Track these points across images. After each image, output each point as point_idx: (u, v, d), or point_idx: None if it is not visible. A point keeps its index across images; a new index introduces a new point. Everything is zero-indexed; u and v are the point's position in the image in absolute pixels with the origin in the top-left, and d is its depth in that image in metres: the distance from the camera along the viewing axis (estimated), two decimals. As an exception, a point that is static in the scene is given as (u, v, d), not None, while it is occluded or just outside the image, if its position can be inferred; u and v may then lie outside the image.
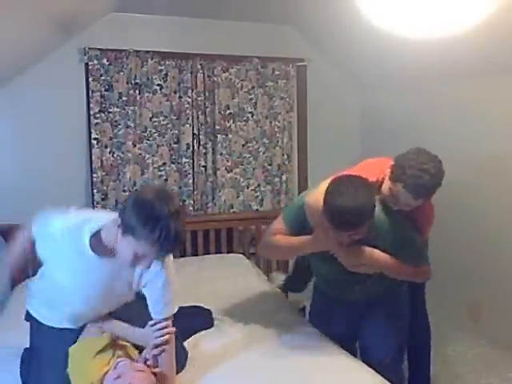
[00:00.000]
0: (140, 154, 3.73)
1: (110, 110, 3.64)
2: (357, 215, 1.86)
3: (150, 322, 1.82)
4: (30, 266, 3.43)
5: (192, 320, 2.43)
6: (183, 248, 3.81)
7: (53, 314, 1.92)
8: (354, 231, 1.92)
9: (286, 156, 4.16)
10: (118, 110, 3.65)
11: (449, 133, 3.59)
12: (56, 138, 3.63)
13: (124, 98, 3.64)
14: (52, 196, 3.57)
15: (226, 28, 3.93)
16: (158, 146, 3.80)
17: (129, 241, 1.56)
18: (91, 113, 3.60)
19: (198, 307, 2.62)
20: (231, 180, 4.02)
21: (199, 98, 3.85)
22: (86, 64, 3.59)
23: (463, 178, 3.48)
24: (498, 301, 3.31)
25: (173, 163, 3.85)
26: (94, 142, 3.61)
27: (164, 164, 3.82)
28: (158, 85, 3.76)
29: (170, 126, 3.82)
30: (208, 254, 3.79)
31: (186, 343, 2.23)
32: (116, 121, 3.66)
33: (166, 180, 3.85)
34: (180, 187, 3.89)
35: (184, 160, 3.84)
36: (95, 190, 3.64)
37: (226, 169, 3.99)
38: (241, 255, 3.77)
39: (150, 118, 3.77)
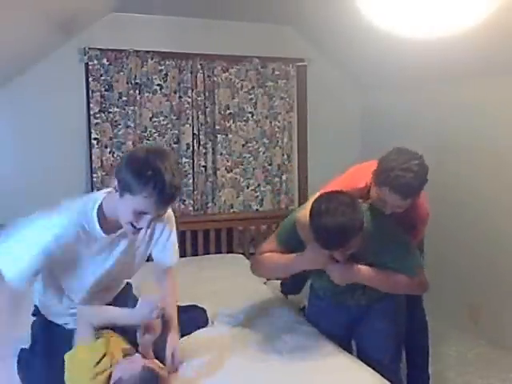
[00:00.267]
0: (140, 154, 3.73)
1: (110, 110, 3.64)
2: (342, 234, 1.86)
3: (143, 296, 1.87)
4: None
5: (187, 318, 2.43)
6: (183, 248, 3.81)
7: (63, 308, 1.93)
8: (343, 249, 1.92)
9: (286, 156, 4.16)
10: (117, 110, 3.65)
11: (449, 133, 3.59)
12: (56, 138, 3.63)
13: (124, 98, 3.64)
14: (52, 196, 3.56)
15: (225, 28, 3.93)
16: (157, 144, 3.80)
17: (126, 199, 1.60)
18: (91, 113, 3.60)
19: (193, 306, 2.62)
20: (231, 180, 4.02)
21: (199, 98, 3.85)
22: (86, 64, 3.59)
23: (463, 177, 3.49)
24: (497, 301, 3.31)
25: (173, 163, 3.85)
26: (94, 141, 3.62)
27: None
28: (158, 85, 3.76)
29: (169, 126, 3.82)
30: (208, 254, 3.79)
31: (181, 341, 2.23)
32: (116, 121, 3.66)
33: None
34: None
35: (184, 160, 3.84)
36: (95, 190, 3.64)
37: (225, 169, 3.99)
38: (241, 255, 3.77)
39: (150, 118, 3.77)
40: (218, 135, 3.92)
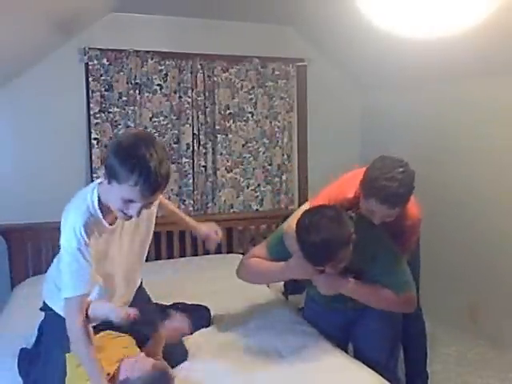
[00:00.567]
0: (140, 154, 3.73)
1: (110, 110, 3.64)
2: (328, 250, 1.87)
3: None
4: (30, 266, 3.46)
5: (191, 317, 2.44)
6: (183, 248, 3.81)
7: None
8: (332, 263, 1.92)
9: (286, 156, 4.16)
10: (117, 110, 3.65)
11: (449, 133, 3.59)
12: (56, 138, 3.63)
13: (124, 98, 3.64)
14: (52, 196, 3.58)
15: (226, 28, 3.93)
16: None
17: (114, 187, 1.57)
18: (91, 113, 3.60)
19: (196, 305, 2.62)
20: (231, 180, 4.02)
21: (199, 98, 3.85)
22: (86, 64, 3.59)
23: (462, 177, 3.49)
24: (497, 301, 3.31)
25: (173, 163, 3.84)
26: (94, 142, 3.61)
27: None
28: (158, 85, 3.75)
29: (169, 126, 3.82)
30: (208, 254, 3.79)
31: (184, 341, 2.23)
32: (116, 121, 3.66)
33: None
34: (180, 187, 3.89)
35: (184, 160, 3.84)
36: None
37: (225, 169, 3.99)
38: (241, 255, 3.76)
39: (150, 118, 3.77)
40: (218, 135, 3.92)
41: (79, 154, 3.69)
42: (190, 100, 3.80)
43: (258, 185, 4.12)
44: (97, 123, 3.61)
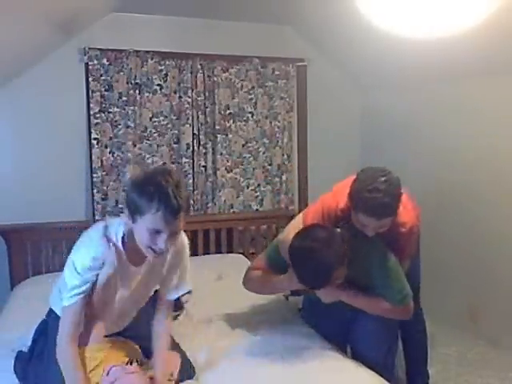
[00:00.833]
0: (140, 153, 3.73)
1: (110, 110, 3.64)
2: (321, 276, 1.92)
3: None
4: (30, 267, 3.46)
5: None
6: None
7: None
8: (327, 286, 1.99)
9: (286, 156, 4.15)
10: (118, 110, 3.65)
11: (448, 133, 3.59)
12: (56, 138, 3.63)
13: (124, 98, 3.64)
14: (52, 196, 3.59)
15: (226, 28, 3.93)
16: (157, 145, 3.80)
17: (138, 223, 1.64)
18: (91, 113, 3.60)
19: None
20: (231, 180, 4.02)
21: (199, 98, 3.85)
22: (86, 64, 3.58)
23: (462, 177, 3.49)
24: (496, 301, 3.31)
25: (173, 163, 3.85)
26: (94, 141, 3.61)
27: (164, 164, 3.81)
28: (158, 85, 3.75)
29: (170, 125, 3.82)
30: (208, 253, 3.79)
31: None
32: (116, 121, 3.66)
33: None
34: (180, 187, 3.88)
35: (184, 160, 3.84)
36: (95, 190, 3.64)
37: (225, 169, 3.99)
38: (241, 255, 3.77)
39: (150, 118, 3.77)
40: (218, 135, 3.92)
41: (79, 154, 3.69)
42: (190, 100, 3.80)
43: (258, 185, 4.12)
44: (97, 123, 3.61)
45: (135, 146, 3.69)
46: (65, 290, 1.75)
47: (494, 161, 3.26)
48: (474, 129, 3.39)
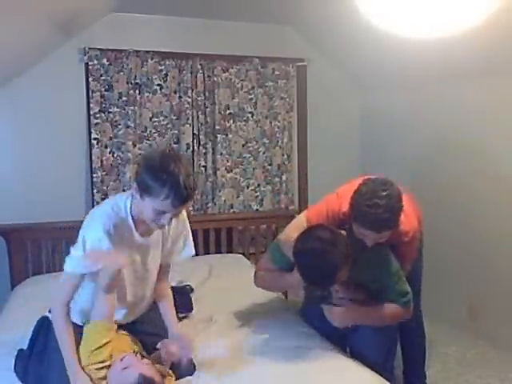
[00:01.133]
0: (140, 153, 3.73)
1: (110, 110, 3.64)
2: (326, 277, 1.95)
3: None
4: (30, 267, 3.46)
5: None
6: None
7: None
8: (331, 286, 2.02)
9: (286, 156, 4.16)
10: (117, 110, 3.65)
11: (448, 133, 3.60)
12: (56, 138, 3.63)
13: (124, 98, 3.64)
14: (52, 196, 3.59)
15: (226, 28, 3.93)
16: (158, 146, 3.80)
17: (147, 201, 1.73)
18: (91, 113, 3.60)
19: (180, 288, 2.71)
20: (231, 180, 4.02)
21: (199, 98, 3.85)
22: (86, 64, 3.59)
23: (462, 178, 3.49)
24: (496, 301, 3.31)
25: (173, 163, 3.85)
26: (94, 141, 3.61)
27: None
28: (158, 85, 3.76)
29: (170, 126, 3.82)
30: (208, 253, 3.79)
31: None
32: (116, 121, 3.66)
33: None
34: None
35: (184, 160, 3.84)
36: (95, 190, 3.64)
37: (225, 169, 3.99)
38: (241, 255, 3.77)
39: (150, 118, 3.77)
40: (218, 135, 3.92)
41: (79, 154, 3.69)
42: (190, 100, 3.80)
43: (258, 185, 4.12)
44: (97, 123, 3.61)
45: (135, 146, 3.70)
46: (70, 257, 1.82)
47: (494, 160, 3.26)
48: (473, 129, 3.39)
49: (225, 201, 4.00)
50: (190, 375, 2.01)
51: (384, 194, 1.94)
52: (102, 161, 3.64)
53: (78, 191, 3.70)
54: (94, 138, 3.61)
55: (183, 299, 2.61)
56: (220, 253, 3.83)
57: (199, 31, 3.86)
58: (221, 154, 3.94)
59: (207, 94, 3.89)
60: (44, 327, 2.02)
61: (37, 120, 3.57)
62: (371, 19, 2.47)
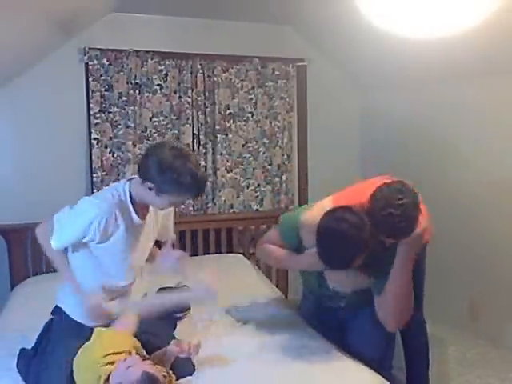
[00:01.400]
0: (140, 153, 3.72)
1: (110, 110, 3.64)
2: (346, 259, 1.92)
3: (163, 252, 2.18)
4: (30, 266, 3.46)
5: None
6: (183, 248, 3.81)
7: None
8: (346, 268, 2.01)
9: (286, 156, 4.16)
10: (118, 110, 3.65)
11: (448, 133, 3.60)
12: (56, 138, 3.63)
13: (124, 98, 3.64)
14: (52, 196, 3.58)
15: (225, 28, 3.93)
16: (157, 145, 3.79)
17: (164, 197, 1.91)
18: (91, 113, 3.60)
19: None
20: (231, 180, 4.02)
21: (199, 98, 3.85)
22: (86, 64, 3.59)
23: (462, 178, 3.49)
24: (497, 301, 3.32)
25: (173, 163, 3.85)
26: (94, 141, 3.61)
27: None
28: (158, 85, 3.75)
29: (170, 126, 3.82)
30: (208, 253, 3.79)
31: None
32: (116, 121, 3.66)
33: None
34: (180, 187, 3.89)
35: (184, 160, 3.83)
36: (95, 190, 3.63)
37: (225, 169, 3.99)
38: (241, 255, 3.77)
39: (150, 118, 3.77)
40: (218, 135, 3.92)
41: (79, 154, 3.69)
42: (190, 100, 3.80)
43: (258, 185, 4.12)
44: (97, 123, 3.61)
45: (135, 146, 3.69)
46: (57, 231, 1.97)
47: (494, 160, 3.26)
48: (474, 128, 3.39)
49: (225, 201, 4.00)
50: (190, 375, 2.01)
51: (400, 202, 1.87)
52: (102, 161, 3.64)
53: (78, 191, 3.69)
54: (94, 138, 3.61)
55: None
56: (220, 253, 3.83)
57: (199, 31, 3.86)
58: (221, 153, 3.94)
59: (207, 94, 3.89)
60: (48, 328, 2.03)
61: (37, 120, 3.57)
62: (372, 19, 2.47)
